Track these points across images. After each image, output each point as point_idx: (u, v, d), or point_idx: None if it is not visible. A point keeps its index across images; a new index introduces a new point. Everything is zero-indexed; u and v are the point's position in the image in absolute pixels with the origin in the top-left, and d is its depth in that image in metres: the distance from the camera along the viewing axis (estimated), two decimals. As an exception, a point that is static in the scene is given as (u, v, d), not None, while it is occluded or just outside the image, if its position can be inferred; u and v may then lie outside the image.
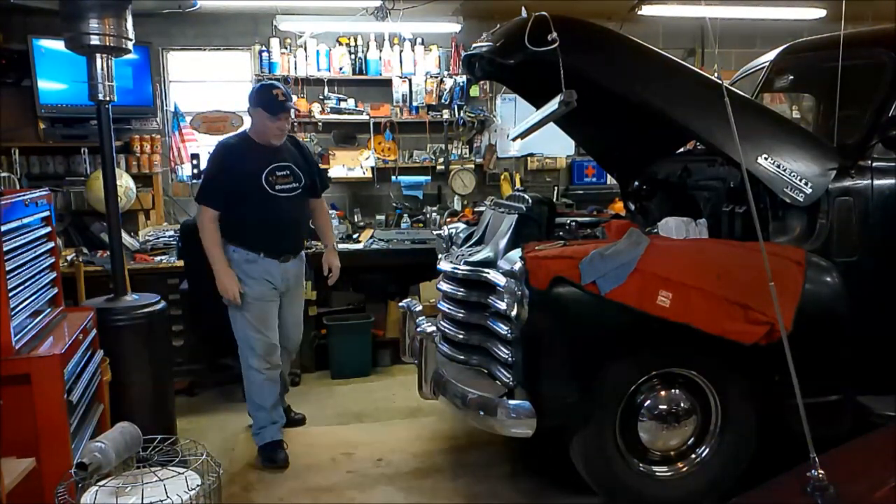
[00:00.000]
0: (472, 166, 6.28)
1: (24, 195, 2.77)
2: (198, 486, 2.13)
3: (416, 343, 3.37)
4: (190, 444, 2.31)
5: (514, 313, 2.87)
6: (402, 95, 6.07)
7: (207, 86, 6.04)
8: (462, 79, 6.11)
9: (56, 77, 5.11)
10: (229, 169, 3.53)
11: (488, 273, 3.13)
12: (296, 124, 5.75)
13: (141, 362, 3.42)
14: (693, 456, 3.02)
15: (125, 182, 5.01)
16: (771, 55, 3.89)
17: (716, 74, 2.84)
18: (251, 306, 3.56)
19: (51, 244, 3.01)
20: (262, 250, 3.54)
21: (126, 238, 4.67)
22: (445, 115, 6.14)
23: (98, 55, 3.27)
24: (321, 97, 5.98)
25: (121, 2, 3.24)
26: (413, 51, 6.07)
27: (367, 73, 6.01)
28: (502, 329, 2.99)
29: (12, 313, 2.49)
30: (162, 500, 2.03)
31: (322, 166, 5.12)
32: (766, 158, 2.93)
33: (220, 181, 3.53)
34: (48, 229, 3.00)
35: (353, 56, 5.97)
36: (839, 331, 2.92)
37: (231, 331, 3.62)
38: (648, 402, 2.94)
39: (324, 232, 3.97)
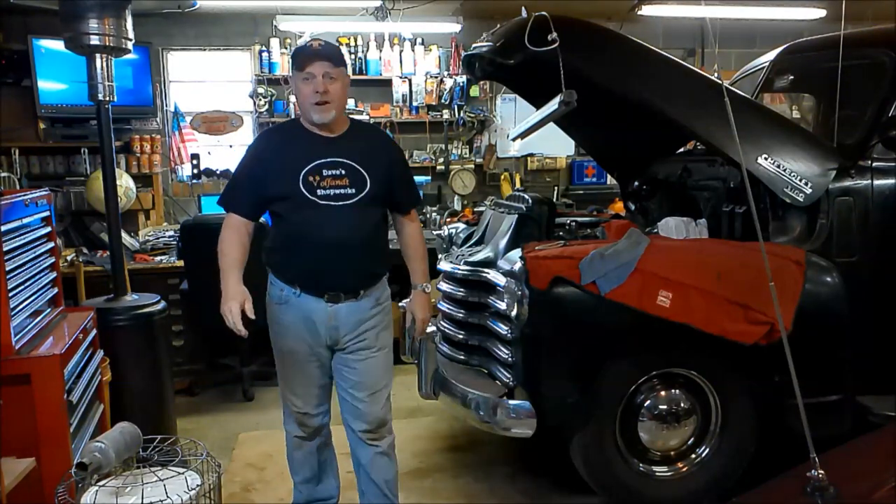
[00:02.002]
0: (472, 166, 6.29)
1: (24, 195, 2.76)
2: (198, 486, 2.13)
3: (416, 343, 3.37)
4: (190, 444, 2.30)
5: (514, 313, 2.87)
6: (402, 95, 6.08)
7: (207, 86, 6.06)
8: (462, 79, 6.13)
9: (56, 77, 5.12)
10: (263, 162, 2.58)
11: (488, 273, 3.13)
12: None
13: (141, 362, 3.43)
14: (693, 456, 3.02)
15: (125, 182, 5.01)
16: (771, 55, 3.89)
17: (716, 74, 2.84)
18: (279, 360, 2.71)
19: (51, 244, 3.01)
20: (299, 283, 2.57)
21: (126, 238, 4.67)
22: (445, 115, 6.15)
23: (98, 55, 3.26)
24: (321, 97, 5.97)
25: (121, 2, 3.24)
26: (413, 51, 6.08)
27: (367, 73, 6.02)
28: (502, 329, 2.99)
29: (12, 313, 2.49)
30: (162, 500, 2.03)
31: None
32: (766, 158, 2.93)
33: (246, 178, 2.61)
34: (48, 229, 2.99)
35: (353, 56, 5.97)
36: (839, 331, 2.92)
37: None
38: (648, 402, 2.94)
39: (411, 265, 2.76)
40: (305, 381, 2.68)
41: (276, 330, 2.66)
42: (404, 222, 2.74)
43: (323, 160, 2.52)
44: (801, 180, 2.94)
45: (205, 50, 5.99)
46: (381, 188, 2.58)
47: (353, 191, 2.53)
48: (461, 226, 4.09)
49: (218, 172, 5.85)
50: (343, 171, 2.53)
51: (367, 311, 2.61)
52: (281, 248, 2.60)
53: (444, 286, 3.45)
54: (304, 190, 2.50)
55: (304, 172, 2.50)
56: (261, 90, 5.93)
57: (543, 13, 2.83)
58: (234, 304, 2.46)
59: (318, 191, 2.50)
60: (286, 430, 2.80)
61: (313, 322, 2.58)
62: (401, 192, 2.69)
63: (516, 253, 2.95)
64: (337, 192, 2.52)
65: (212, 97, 5.98)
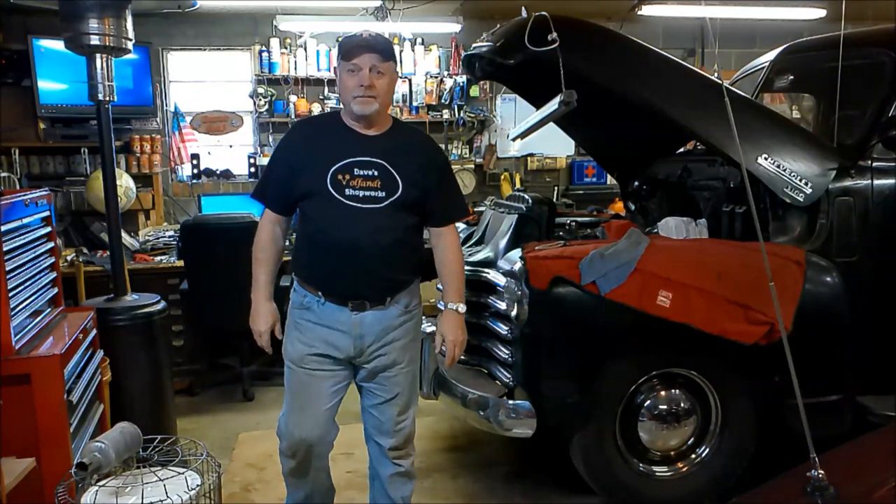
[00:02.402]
0: (472, 166, 6.29)
1: (24, 195, 2.76)
2: (198, 486, 2.13)
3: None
4: (190, 444, 2.30)
5: (514, 313, 2.87)
6: (402, 95, 6.08)
7: (207, 86, 6.06)
8: (462, 79, 6.13)
9: (56, 77, 5.12)
10: (293, 154, 2.43)
11: (488, 273, 3.13)
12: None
13: (141, 362, 3.42)
14: (693, 456, 3.02)
15: (125, 182, 5.01)
16: (771, 55, 3.89)
17: (716, 74, 2.84)
18: (288, 370, 2.50)
19: (51, 244, 3.01)
20: (321, 288, 2.41)
21: (126, 238, 4.67)
22: (445, 115, 6.15)
23: (98, 55, 3.26)
24: (321, 97, 5.99)
25: (121, 2, 3.24)
26: (413, 51, 6.08)
27: (367, 73, 6.01)
28: (502, 329, 2.99)
29: (12, 313, 2.49)
30: (162, 500, 2.03)
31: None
32: (766, 158, 2.93)
33: (276, 171, 2.48)
34: (48, 229, 2.99)
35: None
36: (839, 331, 2.92)
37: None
38: (648, 402, 2.94)
39: (443, 282, 2.56)
40: (314, 399, 2.46)
41: (293, 337, 2.47)
42: (439, 235, 2.51)
43: (356, 158, 2.34)
44: (801, 180, 2.95)
45: (205, 50, 5.99)
46: (414, 195, 2.38)
47: (383, 194, 2.34)
48: (461, 226, 4.08)
49: (218, 172, 5.86)
50: (376, 172, 2.34)
51: (394, 318, 2.44)
52: (303, 249, 2.47)
53: (444, 286, 3.45)
54: (331, 188, 2.32)
55: (333, 169, 2.33)
56: (261, 90, 5.93)
57: (543, 13, 2.83)
58: (265, 330, 2.49)
59: (347, 190, 2.33)
60: (279, 453, 2.57)
61: (337, 332, 2.40)
62: (436, 202, 2.45)
63: (516, 253, 2.95)
64: (366, 193, 2.33)
65: (212, 97, 5.98)
